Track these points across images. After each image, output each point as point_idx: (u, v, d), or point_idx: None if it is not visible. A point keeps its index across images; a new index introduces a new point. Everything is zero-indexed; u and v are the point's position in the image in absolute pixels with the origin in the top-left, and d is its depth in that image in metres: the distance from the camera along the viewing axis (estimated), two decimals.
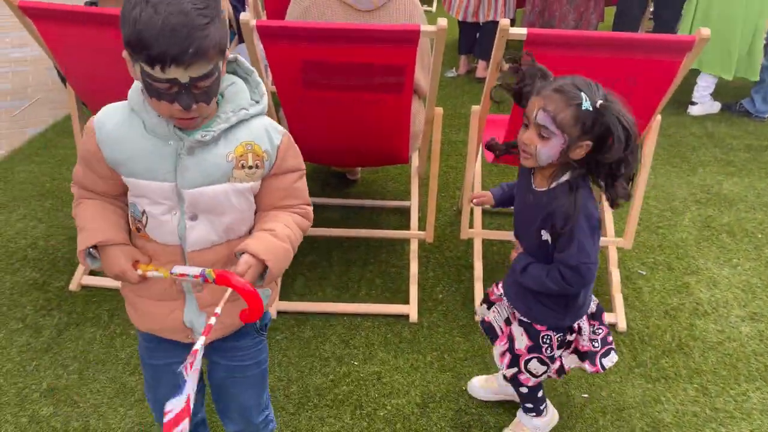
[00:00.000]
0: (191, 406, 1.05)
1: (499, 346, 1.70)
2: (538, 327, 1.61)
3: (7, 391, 1.96)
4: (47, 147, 3.45)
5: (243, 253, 1.17)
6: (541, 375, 1.66)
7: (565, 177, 1.44)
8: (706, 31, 1.86)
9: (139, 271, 1.19)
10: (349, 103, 2.10)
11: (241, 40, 3.08)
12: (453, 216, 2.92)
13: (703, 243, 2.79)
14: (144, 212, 1.20)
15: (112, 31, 1.97)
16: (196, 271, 1.15)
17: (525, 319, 1.63)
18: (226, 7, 2.83)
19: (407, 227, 2.64)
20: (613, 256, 2.47)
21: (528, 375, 1.66)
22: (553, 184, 1.46)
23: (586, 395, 2.01)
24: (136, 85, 1.16)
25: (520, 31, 1.89)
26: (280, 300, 2.33)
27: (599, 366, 1.65)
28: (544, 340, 1.61)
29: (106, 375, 2.03)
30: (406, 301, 2.35)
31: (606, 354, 1.66)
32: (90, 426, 1.86)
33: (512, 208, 1.66)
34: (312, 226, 1.34)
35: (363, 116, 2.15)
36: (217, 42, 1.06)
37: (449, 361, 2.13)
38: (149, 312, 1.29)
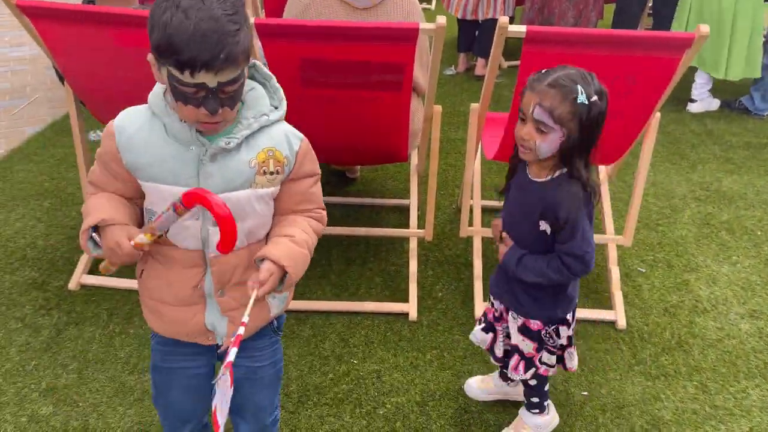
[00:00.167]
0: (218, 418, 1.05)
1: (510, 361, 1.70)
2: (534, 326, 1.61)
3: (6, 390, 1.96)
4: (46, 146, 3.44)
5: (263, 259, 1.17)
6: (555, 364, 1.68)
7: (565, 167, 1.44)
8: (705, 28, 1.85)
9: (132, 242, 1.14)
10: (347, 102, 2.10)
11: None
12: (452, 214, 2.91)
13: (702, 240, 2.79)
14: None
15: (111, 30, 1.98)
16: (167, 205, 1.11)
17: (519, 320, 1.63)
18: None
19: (406, 225, 2.64)
20: (613, 254, 2.47)
21: (545, 367, 1.67)
22: (556, 174, 1.45)
23: (585, 393, 2.01)
24: (157, 89, 1.16)
25: (519, 29, 1.89)
26: None
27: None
28: (545, 335, 1.62)
29: (106, 374, 2.03)
30: (406, 300, 2.35)
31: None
32: (89, 425, 1.86)
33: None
34: None
35: (362, 114, 2.15)
36: (246, 48, 1.07)
37: (449, 360, 2.13)
38: (171, 317, 1.28)
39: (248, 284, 1.16)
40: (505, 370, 1.74)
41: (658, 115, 2.20)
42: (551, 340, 1.63)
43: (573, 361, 1.69)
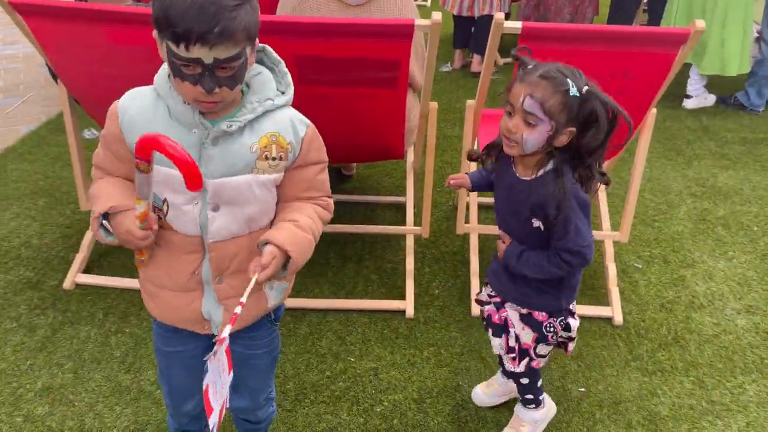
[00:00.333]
0: (208, 395, 1.05)
1: (506, 356, 1.69)
2: (539, 317, 1.61)
3: (1, 390, 1.95)
4: (40, 145, 3.43)
5: (266, 243, 1.16)
6: (547, 356, 1.67)
7: (551, 165, 1.43)
8: (701, 24, 1.85)
9: (135, 217, 1.13)
10: (343, 99, 2.09)
11: None
12: (449, 211, 2.91)
13: (698, 236, 2.79)
14: (165, 201, 1.19)
15: (104, 27, 1.96)
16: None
17: (523, 311, 1.62)
18: None
19: (403, 223, 2.63)
20: (609, 250, 2.47)
21: (538, 359, 1.66)
22: (540, 172, 1.45)
23: (582, 389, 2.01)
24: (163, 71, 1.16)
25: (515, 25, 1.89)
26: None
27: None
28: (548, 329, 1.61)
29: (101, 374, 2.02)
30: (403, 297, 2.35)
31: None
32: (85, 425, 1.85)
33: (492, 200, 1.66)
34: None
35: (358, 112, 2.14)
36: (246, 26, 1.05)
37: (446, 357, 2.13)
38: (168, 303, 1.29)
39: (250, 267, 1.14)
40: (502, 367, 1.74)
41: (654, 111, 2.20)
42: (553, 334, 1.63)
43: (570, 347, 1.69)
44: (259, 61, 1.22)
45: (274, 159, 1.18)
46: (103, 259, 2.49)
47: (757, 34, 3.91)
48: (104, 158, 1.24)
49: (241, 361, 1.39)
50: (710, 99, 4.09)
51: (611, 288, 2.36)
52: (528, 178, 1.47)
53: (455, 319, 2.29)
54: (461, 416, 1.92)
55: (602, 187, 2.66)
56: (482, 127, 2.41)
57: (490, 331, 1.72)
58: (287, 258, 1.17)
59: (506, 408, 1.93)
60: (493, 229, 2.61)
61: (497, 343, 1.70)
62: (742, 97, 4.04)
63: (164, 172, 1.15)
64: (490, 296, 1.72)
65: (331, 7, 2.21)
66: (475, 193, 2.58)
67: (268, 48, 1.23)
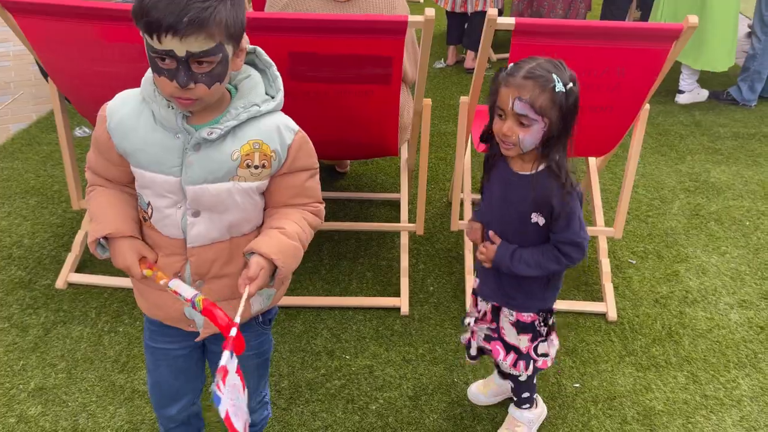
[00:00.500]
0: (231, 420, 1.03)
1: (504, 363, 1.68)
2: (527, 318, 1.61)
3: None
4: (31, 143, 3.40)
5: (252, 253, 1.15)
6: (549, 353, 1.67)
7: (549, 158, 1.43)
8: (693, 19, 1.85)
9: (145, 272, 1.19)
10: (336, 95, 2.08)
11: None
12: (443, 208, 2.91)
13: (691, 231, 2.80)
14: (149, 204, 1.19)
15: (93, 24, 1.94)
16: (188, 294, 1.14)
17: (512, 316, 1.62)
18: None
19: (397, 220, 2.63)
20: (603, 246, 2.47)
21: (543, 359, 1.67)
22: (541, 167, 1.44)
23: (577, 385, 2.02)
24: (149, 74, 1.15)
25: (509, 21, 1.88)
26: None
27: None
28: (538, 325, 1.63)
29: (95, 373, 2.01)
30: (397, 294, 2.35)
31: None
32: (79, 425, 1.84)
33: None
34: None
35: (351, 108, 2.13)
36: (223, 21, 1.04)
37: (441, 353, 2.13)
38: (155, 301, 1.30)
39: (239, 282, 1.14)
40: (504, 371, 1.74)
41: (647, 106, 2.20)
42: (544, 329, 1.64)
43: (552, 348, 1.68)
44: (251, 63, 1.21)
45: (256, 167, 1.17)
46: (95, 258, 2.47)
47: (748, 29, 3.92)
48: (97, 162, 1.24)
49: None
50: (703, 94, 4.10)
51: (605, 284, 2.37)
52: (527, 173, 1.47)
53: (450, 315, 2.29)
54: (456, 413, 1.92)
55: (596, 182, 2.67)
56: (476, 123, 2.40)
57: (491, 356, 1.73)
58: (275, 266, 1.16)
59: (501, 405, 1.93)
60: None
61: (504, 363, 1.69)
62: (734, 92, 4.05)
63: (149, 176, 1.16)
64: (476, 317, 1.72)
65: (319, 3, 2.20)
66: (470, 190, 2.58)
67: (260, 50, 1.21)
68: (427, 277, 2.48)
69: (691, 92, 4.06)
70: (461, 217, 2.48)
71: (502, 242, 1.55)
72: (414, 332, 2.21)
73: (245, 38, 1.13)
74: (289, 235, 1.18)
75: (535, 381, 1.78)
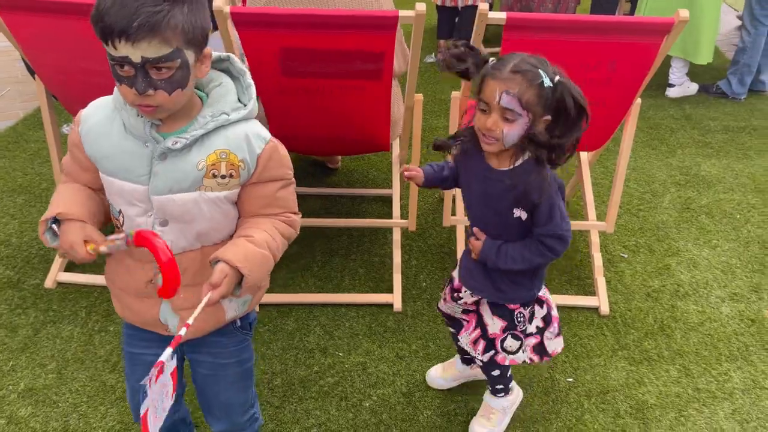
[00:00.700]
0: (147, 421, 1.00)
1: (466, 335, 1.69)
2: (511, 306, 1.61)
3: None
4: (18, 141, 3.36)
5: (218, 261, 1.12)
6: (516, 351, 1.65)
7: (527, 153, 1.43)
8: (684, 13, 1.85)
9: (89, 248, 1.13)
10: (328, 91, 2.06)
11: (215, 29, 3.01)
12: (435, 203, 2.90)
13: (683, 225, 2.81)
14: (120, 212, 1.19)
15: (80, 21, 1.92)
16: (121, 234, 1.12)
17: (498, 302, 1.62)
18: None
19: (389, 216, 2.62)
20: (595, 240, 2.48)
21: (504, 354, 1.65)
22: (519, 162, 1.45)
23: (570, 379, 2.02)
24: None
25: (500, 16, 1.87)
26: None
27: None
28: (518, 318, 1.62)
29: (86, 373, 1.99)
30: (390, 290, 2.34)
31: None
32: (70, 426, 1.82)
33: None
34: None
35: (342, 104, 2.12)
36: (179, 25, 1.02)
37: (434, 349, 2.12)
38: (130, 306, 1.29)
39: (203, 288, 1.11)
40: (466, 356, 1.74)
41: (639, 100, 2.20)
42: (522, 324, 1.63)
43: (554, 343, 1.67)
44: (225, 70, 1.19)
45: (223, 177, 1.15)
46: None
47: (738, 20, 3.92)
48: (70, 166, 1.22)
49: (208, 375, 1.37)
50: (693, 88, 4.11)
51: (597, 278, 2.37)
52: (506, 169, 1.46)
53: None
54: (450, 409, 1.92)
55: (588, 177, 2.67)
56: (467, 118, 2.39)
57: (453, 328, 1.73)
58: (241, 275, 1.13)
59: None
60: None
61: (465, 335, 1.70)
62: (724, 85, 4.07)
63: (118, 184, 1.15)
64: (454, 299, 1.72)
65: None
66: None
67: (233, 57, 1.20)
68: (419, 273, 2.47)
69: (681, 86, 4.07)
70: (453, 213, 2.48)
71: (487, 238, 1.55)
72: (407, 328, 2.21)
73: (210, 46, 1.12)
74: (257, 244, 1.15)
75: (509, 374, 1.78)
